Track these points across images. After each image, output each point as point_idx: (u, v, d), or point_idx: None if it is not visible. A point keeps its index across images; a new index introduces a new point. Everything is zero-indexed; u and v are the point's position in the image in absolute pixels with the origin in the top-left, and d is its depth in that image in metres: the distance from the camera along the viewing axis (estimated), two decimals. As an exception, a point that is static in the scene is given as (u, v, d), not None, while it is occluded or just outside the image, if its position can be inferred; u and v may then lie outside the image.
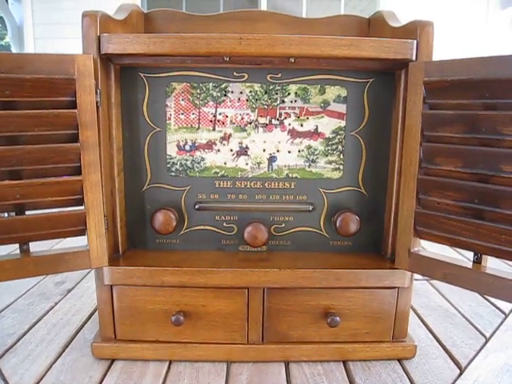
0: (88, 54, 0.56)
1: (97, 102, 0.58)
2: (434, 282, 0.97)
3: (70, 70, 0.55)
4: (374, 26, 0.78)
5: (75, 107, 0.56)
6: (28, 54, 0.53)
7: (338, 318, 0.62)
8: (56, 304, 0.86)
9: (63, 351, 0.68)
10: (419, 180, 0.58)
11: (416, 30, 0.59)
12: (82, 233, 0.60)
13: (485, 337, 0.74)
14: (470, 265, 0.56)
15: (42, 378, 0.62)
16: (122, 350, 0.66)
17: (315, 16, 0.82)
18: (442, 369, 0.64)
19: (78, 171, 0.58)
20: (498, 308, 0.84)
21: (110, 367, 0.65)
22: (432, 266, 0.58)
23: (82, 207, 0.59)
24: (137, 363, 0.65)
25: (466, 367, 0.65)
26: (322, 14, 0.82)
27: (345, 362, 0.66)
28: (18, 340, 0.72)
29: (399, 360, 0.66)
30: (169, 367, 0.65)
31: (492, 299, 0.88)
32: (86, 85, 0.56)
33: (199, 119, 0.64)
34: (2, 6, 3.69)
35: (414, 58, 0.58)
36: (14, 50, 3.87)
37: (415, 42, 0.58)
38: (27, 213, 0.59)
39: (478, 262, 0.56)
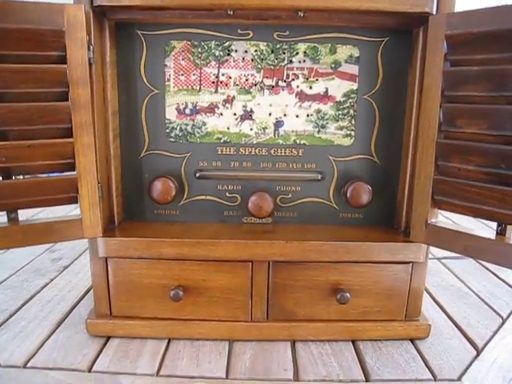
0: (78, 5, 0.51)
1: (89, 59, 0.53)
2: (445, 261, 0.92)
3: (59, 21, 0.50)
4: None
5: (65, 62, 0.52)
6: (15, 1, 0.49)
7: (348, 295, 0.58)
8: (51, 280, 0.82)
9: (57, 328, 0.64)
10: (438, 144, 0.53)
11: (437, -19, 0.54)
12: (74, 200, 0.56)
13: (501, 317, 0.69)
14: (493, 236, 0.51)
15: (33, 356, 0.58)
16: (118, 326, 0.62)
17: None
18: (458, 349, 0.60)
19: (69, 133, 0.53)
20: (514, 288, 0.80)
21: (105, 345, 0.61)
22: (451, 239, 0.54)
23: (74, 172, 0.54)
24: (134, 341, 0.62)
25: (482, 348, 0.61)
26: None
27: (354, 342, 0.62)
28: (11, 316, 0.68)
29: (412, 340, 0.62)
30: (167, 345, 0.61)
31: (508, 279, 0.84)
32: (76, 37, 0.51)
33: (200, 80, 0.59)
34: None
35: (434, 12, 0.54)
36: None
37: (435, -7, 0.54)
38: (15, 178, 0.55)
39: (501, 233, 0.52)
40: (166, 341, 0.62)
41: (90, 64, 0.54)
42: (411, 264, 0.60)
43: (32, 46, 0.50)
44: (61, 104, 0.52)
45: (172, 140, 0.61)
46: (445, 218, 0.57)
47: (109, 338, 0.62)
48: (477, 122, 0.50)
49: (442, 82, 0.52)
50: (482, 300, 0.75)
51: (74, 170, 0.55)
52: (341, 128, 0.61)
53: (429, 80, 0.53)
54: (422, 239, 0.57)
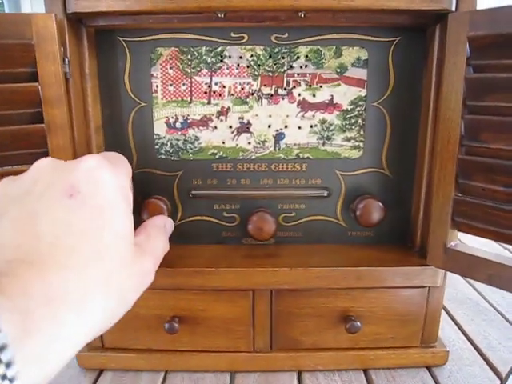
0: (49, 14, 0.45)
1: (65, 74, 0.48)
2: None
3: (27, 34, 0.44)
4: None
5: (37, 80, 0.46)
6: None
7: (358, 324, 0.53)
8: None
9: (45, 360, 0.60)
10: (460, 161, 0.47)
11: (456, -26, 0.47)
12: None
13: (524, 336, 0.64)
14: (522, 264, 0.46)
15: (19, 394, 0.54)
16: (111, 359, 0.57)
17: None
18: (479, 378, 0.55)
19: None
20: (536, 299, 0.75)
21: (97, 378, 0.56)
22: (473, 265, 0.48)
23: (53, 200, 0.49)
24: (128, 373, 0.57)
25: (507, 376, 0.56)
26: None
27: (366, 371, 0.57)
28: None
29: (428, 368, 0.57)
30: (164, 378, 0.56)
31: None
32: (48, 51, 0.45)
33: (191, 91, 0.53)
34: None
35: (453, 9, 0.47)
36: (7, 9, 3.69)
37: (455, -13, 0.47)
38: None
39: (531, 260, 0.46)
40: (163, 373, 0.57)
41: (67, 79, 0.48)
42: (427, 288, 0.55)
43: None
44: (34, 127, 0.47)
45: (162, 157, 0.55)
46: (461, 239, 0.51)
47: (101, 371, 0.58)
48: (504, 137, 0.44)
49: (464, 90, 0.46)
50: (502, 315, 0.70)
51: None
52: (348, 139, 0.55)
53: (448, 87, 0.47)
54: (439, 264, 0.51)
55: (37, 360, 0.23)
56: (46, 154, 0.47)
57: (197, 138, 0.54)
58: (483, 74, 0.45)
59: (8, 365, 0.21)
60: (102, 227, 0.30)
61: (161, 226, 0.41)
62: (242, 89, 0.53)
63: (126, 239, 0.32)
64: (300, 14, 0.48)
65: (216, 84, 0.53)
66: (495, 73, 0.44)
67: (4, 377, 0.20)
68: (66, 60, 0.48)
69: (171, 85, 0.53)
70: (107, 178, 0.32)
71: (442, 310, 0.57)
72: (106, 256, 0.30)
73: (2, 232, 0.27)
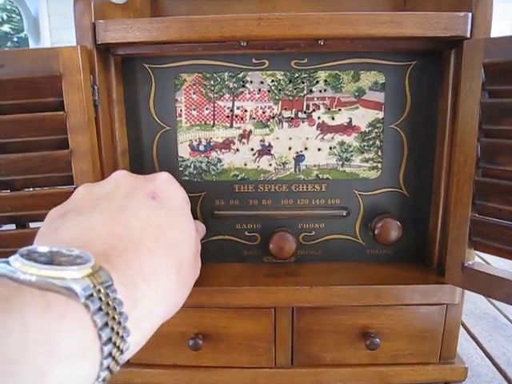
0: (74, 46, 0.48)
1: (95, 101, 0.50)
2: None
3: (54, 66, 0.47)
4: (413, -3, 0.68)
5: (63, 108, 0.48)
6: (8, 50, 0.46)
7: (378, 340, 0.54)
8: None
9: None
10: (476, 182, 0.49)
11: (470, 0, 0.49)
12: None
13: (542, 351, 0.65)
14: (539, 284, 0.47)
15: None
16: (137, 374, 0.59)
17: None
18: (499, 394, 0.56)
19: (70, 181, 0.50)
20: (554, 314, 0.75)
21: (123, 393, 0.58)
22: (491, 284, 0.49)
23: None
24: (153, 388, 0.59)
25: (526, 392, 0.56)
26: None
27: (386, 387, 0.58)
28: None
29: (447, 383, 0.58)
30: (188, 393, 0.58)
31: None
32: (73, 82, 0.48)
33: (214, 115, 0.55)
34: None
35: (468, 35, 0.49)
36: (31, 42, 3.83)
37: (470, 14, 0.48)
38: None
39: (548, 279, 0.47)
40: (187, 388, 0.59)
41: (96, 106, 0.50)
42: (445, 305, 0.56)
43: (28, 94, 0.47)
44: (59, 152, 0.49)
45: (186, 178, 0.57)
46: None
47: (127, 386, 0.60)
48: (520, 160, 0.45)
49: (480, 114, 0.47)
50: (521, 331, 0.70)
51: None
52: (366, 160, 0.56)
53: (464, 112, 0.49)
54: (457, 282, 0.52)
55: (137, 327, 0.28)
56: (71, 178, 0.50)
57: (219, 160, 0.56)
58: (498, 99, 0.46)
59: (124, 328, 0.26)
60: (177, 225, 0.37)
61: (198, 230, 0.47)
62: (264, 113, 0.55)
63: (192, 237, 0.40)
64: (319, 41, 0.50)
65: (238, 108, 0.55)
66: (510, 98, 0.45)
67: (122, 337, 0.26)
68: (96, 87, 0.50)
69: (195, 109, 0.55)
70: (178, 190, 0.42)
71: (460, 326, 0.58)
72: (180, 247, 0.36)
73: (95, 221, 0.32)
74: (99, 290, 0.25)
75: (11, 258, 0.24)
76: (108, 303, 0.25)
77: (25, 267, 0.23)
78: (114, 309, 0.25)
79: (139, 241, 0.32)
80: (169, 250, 0.34)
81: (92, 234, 0.31)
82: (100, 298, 0.24)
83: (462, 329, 0.70)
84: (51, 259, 0.25)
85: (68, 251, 0.26)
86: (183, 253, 0.36)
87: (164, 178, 0.41)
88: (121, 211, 0.34)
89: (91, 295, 0.24)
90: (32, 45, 3.85)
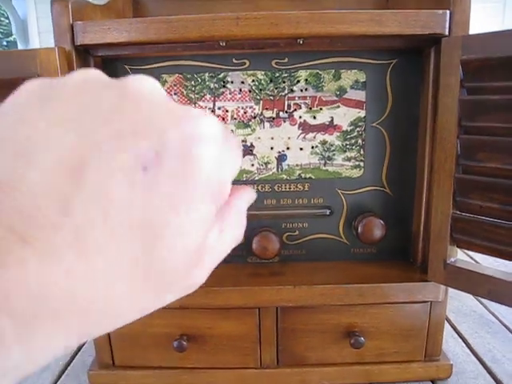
0: (52, 48, 0.48)
1: (74, 102, 0.50)
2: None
3: (32, 68, 0.47)
4: (395, -5, 0.68)
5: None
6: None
7: (362, 339, 0.54)
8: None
9: (58, 379, 0.61)
10: (457, 179, 0.49)
11: (448, -1, 0.49)
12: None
13: (528, 347, 0.65)
14: (520, 280, 0.47)
15: (33, 412, 0.55)
16: (122, 377, 0.59)
17: (326, -13, 0.72)
18: (484, 391, 0.56)
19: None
20: (541, 310, 0.76)
21: (108, 396, 0.58)
22: (473, 281, 0.49)
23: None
24: (138, 391, 0.59)
25: (511, 389, 0.56)
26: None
27: (371, 385, 0.58)
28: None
29: (433, 381, 0.58)
30: (174, 395, 0.58)
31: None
32: (55, 83, 0.47)
33: (195, 115, 0.55)
34: (5, 2, 3.61)
35: (446, 33, 0.49)
36: (19, 45, 3.81)
37: (448, 12, 0.48)
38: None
39: (529, 275, 0.47)
40: (172, 390, 0.59)
41: (75, 107, 0.50)
42: (430, 302, 0.56)
43: (5, 95, 0.47)
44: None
45: (168, 179, 0.57)
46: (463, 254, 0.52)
47: (112, 388, 0.59)
48: (499, 156, 0.45)
49: (459, 111, 0.47)
50: (507, 328, 0.70)
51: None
52: (349, 159, 0.56)
53: (443, 109, 0.49)
54: (440, 280, 0.52)
55: None
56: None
57: (201, 161, 0.56)
58: (476, 95, 0.47)
59: None
60: (161, 233, 0.18)
61: (242, 209, 0.25)
62: (245, 113, 0.55)
63: (189, 253, 0.21)
64: (299, 40, 0.50)
65: (219, 108, 0.55)
66: (488, 95, 0.45)
67: None
68: (75, 90, 0.50)
69: (176, 110, 0.55)
70: (210, 159, 0.19)
71: (446, 323, 0.59)
72: (148, 271, 0.19)
73: (34, 171, 0.17)
74: None
75: None
76: None
77: None
78: None
79: (65, 245, 0.16)
80: (121, 272, 0.18)
81: (12, 191, 0.16)
82: None
83: (448, 326, 0.70)
84: None
85: None
86: (158, 274, 0.19)
87: (196, 128, 0.19)
88: (78, 168, 0.17)
89: None
90: (21, 48, 3.84)
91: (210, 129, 0.20)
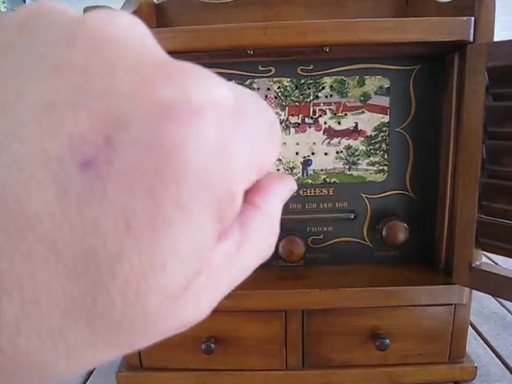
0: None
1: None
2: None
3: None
4: (414, 2, 0.68)
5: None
6: None
7: (387, 341, 0.55)
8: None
9: (86, 381, 0.63)
10: (482, 184, 0.49)
11: (473, 5, 0.50)
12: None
13: (551, 349, 0.65)
14: (546, 283, 0.48)
15: (64, 413, 0.56)
16: (149, 378, 0.60)
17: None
18: (508, 393, 0.57)
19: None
20: (561, 312, 0.76)
21: (137, 397, 0.59)
22: (499, 284, 0.50)
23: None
24: (166, 392, 0.60)
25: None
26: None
27: (396, 387, 0.59)
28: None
29: (457, 383, 0.59)
30: (201, 396, 0.59)
31: (554, 302, 0.79)
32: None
33: (222, 122, 0.56)
34: (18, 3, 3.66)
35: (471, 39, 0.49)
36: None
37: (473, 19, 0.49)
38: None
39: (555, 278, 0.48)
40: (199, 392, 0.60)
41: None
42: (454, 305, 0.56)
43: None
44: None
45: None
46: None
47: (140, 390, 0.60)
48: (525, 161, 0.46)
49: (484, 116, 0.48)
50: (529, 329, 0.71)
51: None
52: (373, 164, 0.57)
53: (469, 115, 0.49)
54: (465, 283, 0.53)
55: None
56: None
57: (228, 166, 0.57)
58: (502, 102, 0.47)
59: None
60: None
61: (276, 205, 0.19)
62: (270, 119, 0.56)
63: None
64: (325, 48, 0.51)
65: (245, 115, 0.56)
66: (514, 101, 0.46)
67: None
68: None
69: (203, 117, 0.56)
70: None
71: (469, 325, 0.59)
72: None
73: None
74: None
75: None
76: None
77: None
78: None
79: None
80: None
81: None
82: None
83: (470, 328, 0.71)
84: None
85: None
86: None
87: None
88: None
89: None
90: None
91: (215, 93, 0.12)
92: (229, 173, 0.12)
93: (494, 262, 0.83)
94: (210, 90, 0.12)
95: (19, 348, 0.11)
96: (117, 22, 0.13)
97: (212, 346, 0.56)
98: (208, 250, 0.13)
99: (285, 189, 0.18)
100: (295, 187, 0.20)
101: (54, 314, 0.11)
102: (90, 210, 0.11)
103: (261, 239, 0.17)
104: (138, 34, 0.13)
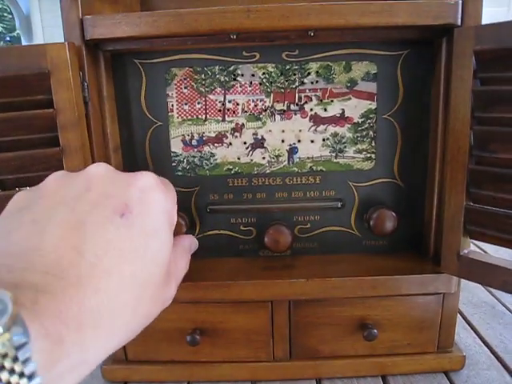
0: (62, 43, 0.47)
1: (84, 98, 0.50)
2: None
3: (42, 64, 0.46)
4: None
5: (53, 106, 0.48)
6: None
7: (375, 331, 0.54)
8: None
9: (70, 374, 0.62)
10: (470, 171, 0.48)
11: (461, -12, 0.48)
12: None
13: (540, 338, 0.65)
14: (535, 270, 0.47)
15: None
16: (135, 371, 0.59)
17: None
18: (497, 382, 0.56)
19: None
20: (552, 301, 0.75)
21: (122, 390, 0.58)
22: (487, 272, 0.49)
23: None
24: (151, 385, 0.59)
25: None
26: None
27: (384, 377, 0.58)
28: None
29: (446, 372, 0.58)
30: (187, 388, 0.58)
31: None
32: (61, 79, 0.47)
33: (206, 109, 0.55)
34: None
35: (459, 23, 0.48)
36: (23, 40, 3.82)
37: (460, 2, 0.48)
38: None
39: (544, 266, 0.47)
40: (186, 384, 0.59)
41: (86, 102, 0.50)
42: (442, 294, 0.56)
43: (17, 92, 0.47)
44: (50, 150, 0.48)
45: (179, 174, 0.57)
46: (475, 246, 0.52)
47: (126, 383, 0.59)
48: (513, 147, 0.45)
49: (472, 102, 0.47)
50: (519, 318, 0.70)
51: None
52: (360, 151, 0.56)
53: (456, 100, 0.48)
54: (453, 271, 0.52)
55: (60, 382, 0.23)
56: (68, 176, 0.49)
57: (212, 155, 0.56)
58: (490, 86, 0.46)
59: None
60: (144, 254, 0.30)
61: (187, 247, 0.41)
62: (256, 106, 0.55)
63: (163, 268, 0.32)
64: (309, 32, 0.50)
65: (230, 102, 0.55)
66: (502, 85, 0.45)
67: None
68: (85, 84, 0.50)
69: (186, 104, 0.55)
70: (160, 200, 0.32)
71: (458, 315, 0.58)
72: (141, 283, 0.29)
73: (48, 236, 0.27)
74: (5, 355, 0.20)
75: None
76: (13, 369, 0.20)
77: None
78: (21, 375, 0.21)
79: (88, 275, 0.26)
80: (125, 287, 0.28)
81: (38, 255, 0.26)
82: (3, 367, 0.20)
83: (459, 318, 0.70)
84: None
85: None
86: (146, 285, 0.30)
87: (143, 185, 0.32)
88: (79, 228, 0.27)
89: None
90: (24, 43, 3.83)
91: (152, 180, 0.33)
92: (170, 207, 0.35)
93: (483, 250, 0.82)
94: (153, 178, 0.33)
95: (117, 306, 0.28)
96: (100, 167, 0.33)
97: (197, 337, 0.55)
98: (171, 249, 0.34)
99: (191, 239, 0.43)
100: (197, 244, 0.44)
101: (128, 281, 0.28)
102: (129, 230, 0.29)
103: (183, 260, 0.41)
104: (109, 168, 0.34)
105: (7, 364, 0.20)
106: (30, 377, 0.21)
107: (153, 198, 0.32)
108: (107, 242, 0.28)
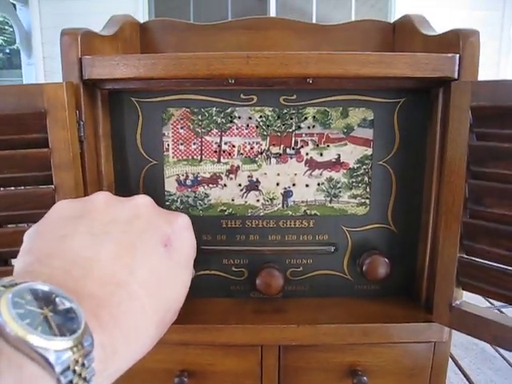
0: (59, 83, 0.47)
1: (80, 137, 0.49)
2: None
3: (39, 103, 0.46)
4: (401, 32, 0.68)
5: (48, 145, 0.47)
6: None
7: (365, 378, 0.54)
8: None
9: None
10: (464, 223, 0.48)
11: (458, 41, 0.49)
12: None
13: (530, 384, 0.65)
14: (527, 327, 0.47)
15: None
16: (120, 412, 0.58)
17: (330, 21, 0.72)
18: (487, 433, 0.56)
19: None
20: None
21: (106, 431, 0.57)
22: (479, 325, 0.49)
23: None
24: (136, 426, 0.58)
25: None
26: (332, 9, 0.72)
27: (373, 425, 0.57)
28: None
29: (436, 421, 0.58)
30: (173, 431, 0.57)
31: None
32: (57, 118, 0.47)
33: (201, 150, 0.55)
34: (10, 12, 3.64)
35: (456, 76, 0.49)
36: (23, 55, 3.83)
37: (457, 56, 0.49)
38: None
39: (536, 322, 0.47)
40: (171, 427, 0.58)
41: (81, 141, 0.50)
42: (434, 342, 0.55)
43: (13, 130, 0.47)
44: (43, 189, 0.48)
45: (173, 213, 0.56)
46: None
47: (110, 423, 0.58)
48: (508, 203, 0.45)
49: (468, 155, 0.47)
50: (509, 363, 0.70)
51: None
52: (355, 196, 0.56)
53: (453, 152, 0.49)
54: (445, 322, 0.52)
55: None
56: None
57: (206, 195, 0.56)
58: (486, 142, 0.46)
59: None
60: (176, 281, 0.35)
61: None
62: (251, 148, 0.55)
63: (185, 292, 0.37)
64: (308, 80, 0.50)
65: (226, 143, 0.55)
66: (498, 142, 0.45)
67: None
68: (81, 123, 0.50)
69: (182, 144, 0.55)
70: (191, 239, 0.40)
71: (449, 357, 0.58)
72: (168, 308, 0.34)
73: (104, 251, 0.31)
74: (76, 362, 0.24)
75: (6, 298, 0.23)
76: (80, 374, 0.24)
77: (14, 324, 0.22)
78: (85, 380, 0.24)
79: (136, 293, 0.30)
80: (159, 309, 0.32)
81: (96, 266, 0.29)
82: (74, 371, 0.24)
83: (450, 361, 0.70)
84: (45, 302, 0.24)
85: (62, 300, 0.25)
86: (171, 310, 0.35)
87: (183, 224, 0.38)
88: (130, 249, 0.32)
89: (67, 368, 0.23)
90: (24, 58, 3.84)
91: (188, 221, 0.40)
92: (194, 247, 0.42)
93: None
94: (188, 219, 0.41)
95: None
96: (146, 199, 0.38)
97: (185, 380, 0.54)
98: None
99: (194, 273, 0.43)
100: (194, 272, 0.43)
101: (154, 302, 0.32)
102: (168, 260, 0.35)
103: None
104: (152, 202, 0.39)
105: (77, 368, 0.24)
106: (89, 381, 0.25)
107: (187, 237, 0.39)
108: (152, 266, 0.32)
